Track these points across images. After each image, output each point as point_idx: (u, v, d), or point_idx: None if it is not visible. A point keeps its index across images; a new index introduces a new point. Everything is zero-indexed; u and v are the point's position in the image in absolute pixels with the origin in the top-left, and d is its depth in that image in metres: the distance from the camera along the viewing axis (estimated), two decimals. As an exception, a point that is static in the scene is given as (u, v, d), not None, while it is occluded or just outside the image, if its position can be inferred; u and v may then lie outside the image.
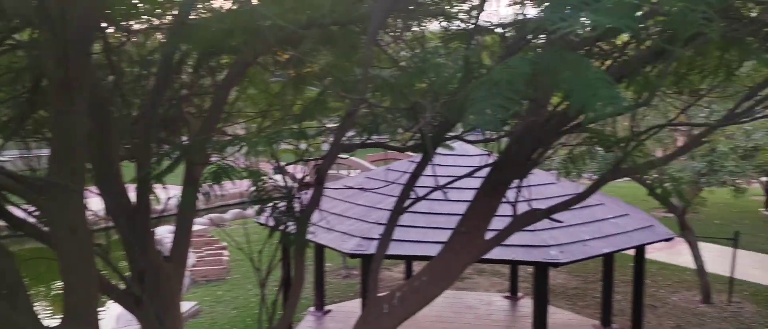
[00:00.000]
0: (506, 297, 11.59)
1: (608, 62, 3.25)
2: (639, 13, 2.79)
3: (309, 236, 3.86)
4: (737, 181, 11.88)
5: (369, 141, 3.56)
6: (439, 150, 3.80)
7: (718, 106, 9.35)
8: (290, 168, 3.90)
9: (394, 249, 7.66)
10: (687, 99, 4.05)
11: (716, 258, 13.14)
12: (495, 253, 7.23)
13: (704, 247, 12.15)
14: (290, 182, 3.78)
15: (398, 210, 3.73)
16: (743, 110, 3.77)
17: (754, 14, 3.64)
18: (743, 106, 3.74)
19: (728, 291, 11.88)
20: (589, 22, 2.07)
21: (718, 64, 3.53)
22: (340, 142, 3.38)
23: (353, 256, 7.65)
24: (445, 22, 4.14)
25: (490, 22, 3.71)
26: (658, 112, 8.26)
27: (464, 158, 8.63)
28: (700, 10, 2.23)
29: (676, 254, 14.31)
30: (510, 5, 3.74)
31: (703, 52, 3.37)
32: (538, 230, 7.60)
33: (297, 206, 3.62)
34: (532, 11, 3.37)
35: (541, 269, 7.91)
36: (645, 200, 15.07)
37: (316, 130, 3.74)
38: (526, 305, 10.87)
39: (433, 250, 5.97)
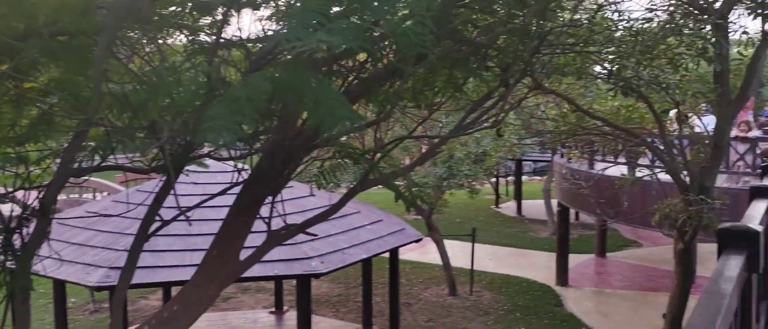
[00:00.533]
0: (272, 313, 11.53)
1: (350, 79, 3.39)
2: (376, 34, 2.96)
3: (42, 273, 3.39)
4: (472, 183, 13.38)
5: (105, 164, 3.24)
6: (194, 168, 3.61)
7: (453, 117, 10.41)
8: (20, 195, 3.39)
9: (148, 276, 7.13)
10: (421, 113, 4.42)
11: (459, 253, 14.59)
12: (256, 270, 7.12)
13: (449, 244, 13.42)
14: (12, 212, 3.28)
15: (141, 237, 3.45)
16: (469, 122, 4.22)
17: (477, 38, 4.09)
18: (470, 118, 4.19)
19: (470, 283, 13.27)
20: (324, 41, 2.11)
21: (447, 81, 3.90)
22: (68, 166, 3.02)
23: (99, 289, 6.95)
24: (190, 36, 3.96)
25: (236, 36, 3.64)
26: (403, 125, 8.91)
27: (222, 176, 8.38)
28: (421, 34, 2.42)
29: (426, 252, 15.59)
30: (257, 20, 3.71)
31: (433, 70, 3.70)
32: (299, 243, 7.67)
33: (18, 240, 3.14)
34: (276, 27, 3.37)
35: (304, 281, 8.01)
36: (398, 205, 16.20)
37: (40, 153, 3.30)
38: (292, 318, 10.92)
39: (191, 274, 5.67)
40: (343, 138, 3.58)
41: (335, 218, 8.37)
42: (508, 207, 22.87)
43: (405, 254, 14.64)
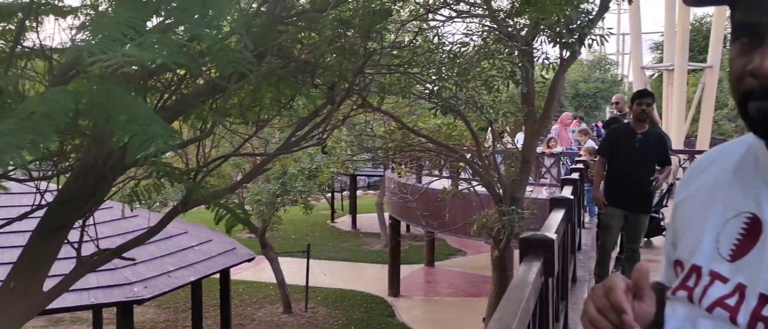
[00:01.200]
0: (90, 344, 10.61)
1: (167, 95, 3.25)
2: (195, 50, 2.87)
3: None
4: (307, 199, 13.40)
5: None
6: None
7: (286, 134, 10.36)
8: None
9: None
10: (250, 130, 4.35)
11: (294, 270, 14.51)
12: (70, 299, 6.54)
13: (284, 261, 13.30)
14: None
15: None
16: (296, 139, 4.23)
17: (303, 56, 4.12)
18: (297, 135, 4.20)
19: (305, 299, 13.24)
20: (131, 56, 2.00)
21: (273, 98, 3.88)
22: None
23: None
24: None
25: (40, 46, 3.33)
26: (231, 142, 8.69)
27: (26, 198, 7.59)
28: (239, 51, 2.39)
29: (261, 271, 15.31)
30: (65, 30, 3.42)
31: (259, 87, 3.66)
32: (119, 268, 7.17)
33: None
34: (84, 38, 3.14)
35: (125, 308, 7.47)
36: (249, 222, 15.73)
37: None
38: (113, 348, 10.14)
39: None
40: (161, 156, 3.41)
41: (160, 240, 7.94)
42: (344, 222, 23.23)
43: (238, 274, 14.26)
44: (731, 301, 0.83)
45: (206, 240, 8.92)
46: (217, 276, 9.65)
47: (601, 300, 0.90)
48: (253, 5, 3.53)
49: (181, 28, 2.61)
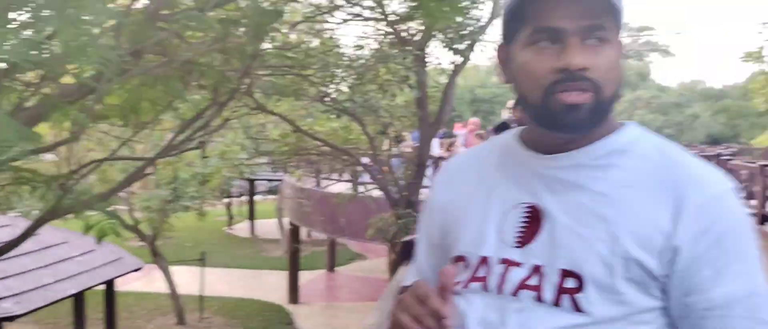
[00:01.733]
0: (-44, 368, 9.67)
1: (28, 96, 2.98)
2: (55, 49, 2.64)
3: None
4: (202, 205, 12.92)
5: None
6: None
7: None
8: None
9: None
10: (123, 131, 4.11)
11: (188, 280, 13.94)
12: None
13: (177, 270, 12.75)
14: None
15: None
16: (178, 142, 4.03)
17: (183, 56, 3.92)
18: (179, 138, 4.01)
19: (200, 309, 12.75)
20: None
21: (152, 100, 3.67)
22: None
23: None
24: None
25: None
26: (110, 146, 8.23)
27: None
28: (107, 48, 2.22)
29: (152, 281, 14.59)
30: None
31: (135, 88, 3.44)
32: (-14, 282, 6.58)
33: None
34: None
35: (-7, 327, 6.87)
36: (120, 232, 14.94)
37: None
38: (-17, 371, 9.30)
39: None
40: (24, 159, 3.13)
41: (35, 251, 7.38)
42: (242, 228, 22.64)
43: (127, 285, 13.52)
44: (533, 281, 0.93)
45: (89, 250, 8.37)
46: (103, 287, 9.10)
47: (416, 308, 0.92)
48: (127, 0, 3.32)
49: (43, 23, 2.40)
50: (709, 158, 16.80)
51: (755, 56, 9.58)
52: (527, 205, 0.98)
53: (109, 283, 8.98)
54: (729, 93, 40.22)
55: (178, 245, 17.79)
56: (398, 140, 8.54)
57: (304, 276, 14.79)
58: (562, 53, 0.89)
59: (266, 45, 5.58)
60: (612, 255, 0.89)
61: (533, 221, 0.96)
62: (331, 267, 16.45)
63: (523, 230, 0.97)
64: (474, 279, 0.98)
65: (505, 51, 1.00)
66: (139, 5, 3.63)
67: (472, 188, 1.05)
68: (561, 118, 0.91)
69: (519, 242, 0.96)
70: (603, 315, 0.89)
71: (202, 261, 12.80)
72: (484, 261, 0.98)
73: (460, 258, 1.02)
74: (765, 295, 0.89)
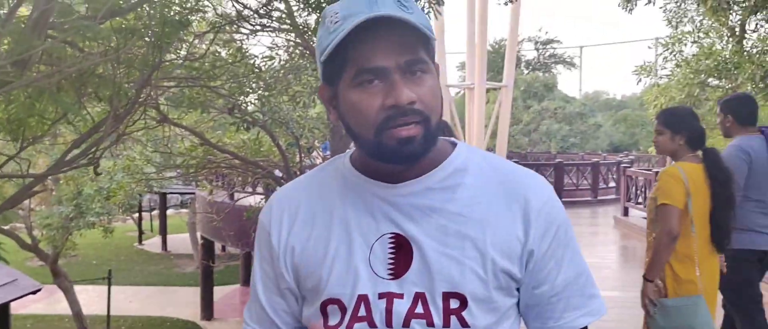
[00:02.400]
0: None
1: None
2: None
3: None
4: (109, 221, 12.32)
5: None
6: None
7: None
8: None
9: None
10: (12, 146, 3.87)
11: (95, 299, 13.30)
12: None
13: (83, 290, 12.14)
14: None
15: None
16: (74, 157, 3.83)
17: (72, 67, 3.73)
18: (74, 153, 3.81)
19: (106, 329, 12.17)
20: None
21: (36, 113, 3.47)
22: None
23: None
24: None
25: None
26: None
27: None
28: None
29: (56, 302, 13.82)
30: None
31: (17, 101, 3.24)
32: None
33: None
34: None
35: None
36: (17, 252, 14.05)
37: None
38: None
39: None
40: None
41: None
42: (154, 243, 21.83)
43: (27, 307, 12.75)
44: (419, 310, 0.96)
45: (-22, 273, 7.81)
46: (-5, 312, 8.49)
47: None
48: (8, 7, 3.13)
49: None
50: (610, 165, 17.75)
51: (646, 70, 10.22)
52: (391, 235, 0.99)
53: (4, 307, 8.40)
54: (628, 103, 42.65)
55: (84, 264, 16.95)
56: (310, 150, 8.49)
57: (219, 292, 14.41)
58: (390, 91, 0.92)
59: (171, 56, 5.42)
60: (484, 271, 0.96)
61: (401, 250, 0.98)
62: (245, 281, 16.09)
63: (393, 261, 0.98)
64: (356, 319, 0.98)
65: (329, 91, 1.01)
66: (23, 12, 3.43)
67: (324, 226, 1.03)
68: (397, 151, 0.94)
69: (392, 273, 0.97)
70: (484, 325, 0.97)
71: (108, 280, 12.22)
72: (362, 299, 0.98)
73: (332, 301, 1.00)
74: (588, 273, 1.06)
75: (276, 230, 1.06)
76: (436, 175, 1.01)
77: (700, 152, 3.07)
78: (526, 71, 40.98)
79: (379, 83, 0.94)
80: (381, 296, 0.97)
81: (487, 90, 22.76)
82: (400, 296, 0.96)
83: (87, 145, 3.77)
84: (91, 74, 3.53)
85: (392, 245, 0.98)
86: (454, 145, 1.06)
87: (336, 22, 0.94)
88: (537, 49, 42.66)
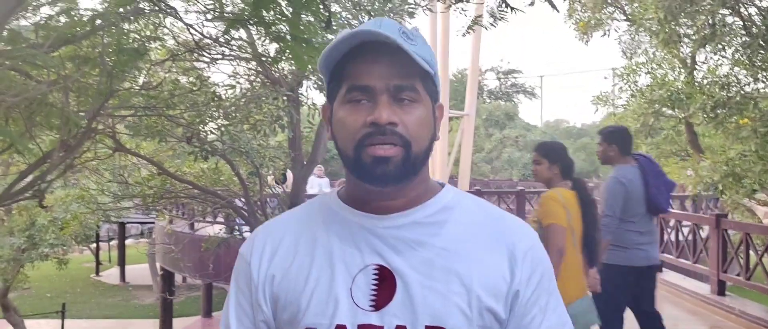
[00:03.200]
0: None
1: None
2: None
3: None
4: (65, 252, 11.94)
5: None
6: None
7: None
8: None
9: None
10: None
11: (46, 334, 12.82)
12: None
13: (34, 325, 11.71)
14: None
15: None
16: (22, 187, 3.71)
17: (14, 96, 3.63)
18: (21, 184, 3.69)
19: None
20: None
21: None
22: None
23: None
24: None
25: None
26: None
27: None
28: None
29: (4, 338, 13.28)
30: None
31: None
32: None
33: None
34: None
35: None
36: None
37: None
38: None
39: None
40: None
41: None
42: (111, 274, 21.26)
43: (-28, 344, 12.16)
44: None
45: None
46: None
47: None
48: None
49: None
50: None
51: (603, 100, 10.48)
52: (375, 266, 0.98)
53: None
54: (588, 132, 43.57)
55: (37, 297, 16.37)
56: (284, 179, 8.38)
57: (179, 324, 14.05)
58: (374, 109, 0.95)
59: (128, 84, 5.32)
60: (469, 307, 0.96)
61: (385, 282, 0.96)
62: (207, 313, 15.75)
63: (375, 292, 0.96)
64: None
65: (329, 109, 1.04)
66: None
67: (306, 254, 1.02)
68: (371, 170, 0.95)
69: (374, 305, 0.96)
70: None
71: (62, 313, 11.82)
72: None
73: None
74: (569, 323, 1.06)
75: (257, 260, 1.05)
76: (423, 210, 1.01)
77: (569, 182, 3.56)
78: (488, 100, 41.62)
79: (367, 102, 0.96)
80: (360, 327, 0.95)
81: (450, 118, 23.01)
82: (380, 328, 0.95)
83: (36, 175, 3.66)
84: (40, 103, 3.43)
85: (376, 277, 0.97)
86: (442, 185, 1.07)
87: (342, 39, 0.97)
88: (498, 79, 43.44)
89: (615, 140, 4.28)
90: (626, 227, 4.13)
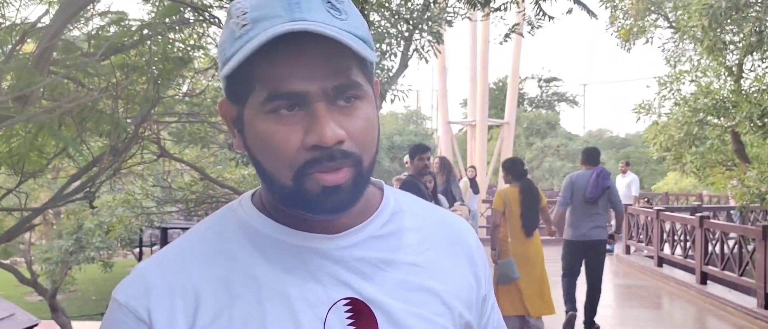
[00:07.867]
0: None
1: None
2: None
3: None
4: (110, 255, 12.31)
5: None
6: None
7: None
8: None
9: None
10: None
11: (90, 335, 13.13)
12: None
13: (81, 326, 12.02)
14: None
15: None
16: (72, 191, 3.87)
17: (71, 102, 3.80)
18: (71, 187, 3.85)
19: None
20: None
21: (39, 147, 3.53)
22: None
23: None
24: None
25: None
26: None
27: None
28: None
29: (52, 338, 13.68)
30: None
31: (18, 135, 3.30)
32: None
33: None
34: None
35: None
36: (16, 286, 14.00)
37: None
38: None
39: None
40: None
41: None
42: (154, 278, 21.68)
43: (23, 342, 12.55)
44: None
45: (-24, 307, 7.78)
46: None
47: None
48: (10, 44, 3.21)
49: None
50: (613, 202, 17.68)
51: (645, 108, 10.30)
52: (346, 301, 0.78)
53: (-2, 342, 8.34)
54: (632, 141, 42.76)
55: (83, 299, 16.80)
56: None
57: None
58: (311, 125, 0.72)
59: (172, 92, 5.49)
60: (453, 325, 0.85)
61: (362, 317, 0.78)
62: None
63: None
64: None
65: (233, 110, 0.79)
66: (27, 48, 3.51)
67: (251, 301, 0.76)
68: (320, 202, 0.74)
69: None
70: None
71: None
72: None
73: None
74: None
75: (164, 320, 0.75)
76: (376, 221, 0.84)
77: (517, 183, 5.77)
78: (529, 108, 41.26)
79: (299, 112, 0.73)
80: None
81: (490, 127, 22.91)
82: None
83: (85, 179, 3.81)
84: (91, 109, 3.59)
85: (350, 314, 0.78)
86: (375, 184, 0.89)
87: (244, 25, 0.73)
88: (540, 87, 43.02)
89: (585, 156, 6.53)
90: (575, 212, 6.21)
